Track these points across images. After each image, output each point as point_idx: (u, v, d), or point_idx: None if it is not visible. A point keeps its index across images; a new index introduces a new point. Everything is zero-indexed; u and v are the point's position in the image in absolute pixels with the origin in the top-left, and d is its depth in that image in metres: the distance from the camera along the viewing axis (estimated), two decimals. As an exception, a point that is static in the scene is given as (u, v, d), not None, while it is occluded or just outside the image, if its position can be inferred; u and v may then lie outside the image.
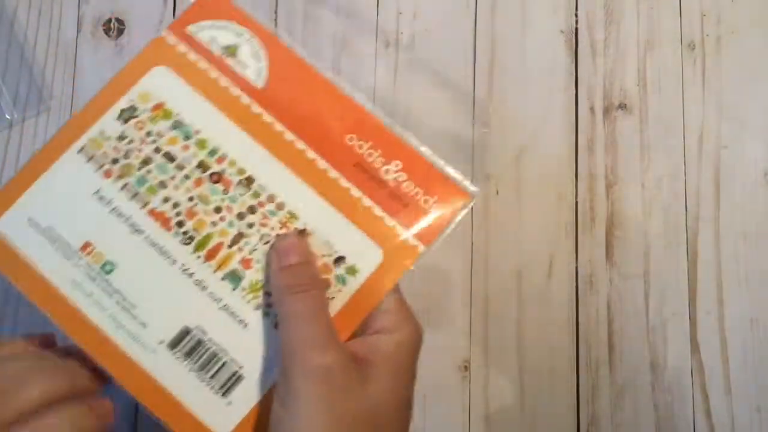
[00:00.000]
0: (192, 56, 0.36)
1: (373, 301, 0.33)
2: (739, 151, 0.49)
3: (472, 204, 0.35)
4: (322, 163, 0.35)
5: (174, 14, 0.50)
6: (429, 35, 0.50)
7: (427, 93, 0.50)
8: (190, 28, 0.37)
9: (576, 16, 0.50)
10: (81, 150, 0.35)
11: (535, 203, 0.49)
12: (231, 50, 0.36)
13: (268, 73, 0.36)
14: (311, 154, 0.35)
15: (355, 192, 0.34)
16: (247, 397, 0.32)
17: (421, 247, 0.34)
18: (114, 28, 0.50)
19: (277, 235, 0.34)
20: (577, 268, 0.48)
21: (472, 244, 0.48)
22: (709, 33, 0.50)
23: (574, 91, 0.50)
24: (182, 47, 0.37)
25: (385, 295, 0.33)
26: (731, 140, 0.49)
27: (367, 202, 0.34)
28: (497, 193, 0.49)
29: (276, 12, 0.50)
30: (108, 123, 0.36)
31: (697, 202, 0.48)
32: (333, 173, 0.35)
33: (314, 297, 0.32)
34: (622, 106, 0.49)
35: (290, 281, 0.32)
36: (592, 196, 0.49)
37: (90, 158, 0.35)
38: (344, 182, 0.35)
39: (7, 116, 0.49)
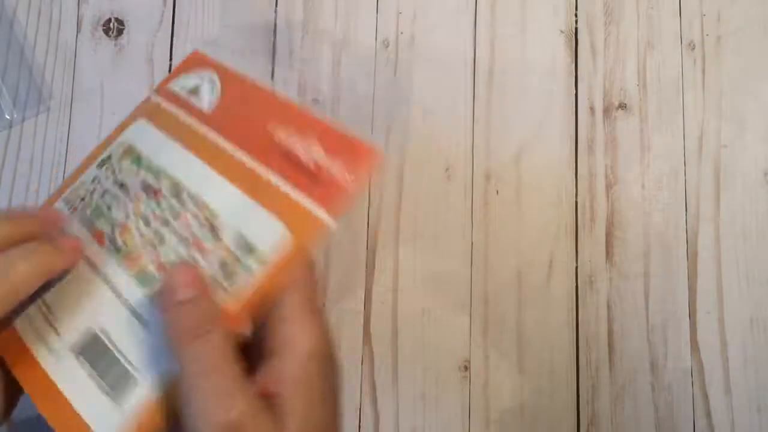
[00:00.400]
0: (165, 105, 0.39)
1: (282, 283, 0.32)
2: (738, 151, 0.49)
3: (379, 165, 0.35)
4: (245, 158, 0.35)
5: (174, 14, 0.50)
6: (429, 35, 0.50)
7: (427, 93, 0.50)
8: (170, 85, 0.40)
9: (576, 16, 0.50)
10: (65, 199, 0.38)
11: (535, 203, 0.49)
12: (194, 90, 0.39)
13: (218, 100, 0.38)
14: (239, 154, 0.35)
15: (276, 179, 0.34)
16: (139, 403, 0.31)
17: (330, 221, 0.33)
18: (114, 28, 0.50)
19: (170, 270, 0.32)
20: (577, 268, 0.48)
21: (472, 244, 0.48)
22: (709, 33, 0.50)
23: (574, 91, 0.50)
24: (161, 101, 0.39)
25: (291, 283, 0.31)
26: (731, 140, 0.49)
27: (285, 188, 0.34)
28: (497, 193, 0.49)
29: (276, 12, 0.50)
30: (89, 172, 0.38)
31: (697, 202, 0.48)
32: (253, 164, 0.35)
33: (214, 342, 0.28)
34: (622, 106, 0.49)
35: (185, 324, 0.29)
36: (592, 196, 0.49)
37: (67, 202, 0.37)
38: (264, 172, 0.34)
39: (7, 116, 0.49)
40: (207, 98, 0.38)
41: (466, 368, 0.47)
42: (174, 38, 0.50)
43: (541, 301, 0.48)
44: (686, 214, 0.48)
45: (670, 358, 0.47)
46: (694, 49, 0.50)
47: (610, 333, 0.47)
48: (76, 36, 0.50)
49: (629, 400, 0.46)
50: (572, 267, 0.48)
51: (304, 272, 0.32)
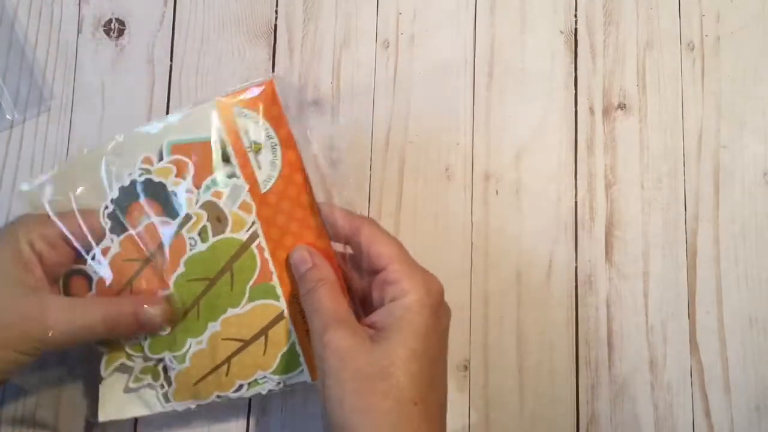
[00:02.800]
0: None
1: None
2: (738, 151, 0.49)
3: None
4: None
5: (174, 14, 0.50)
6: (429, 35, 0.50)
7: (426, 93, 0.50)
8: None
9: (575, 16, 0.50)
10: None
11: (535, 203, 0.49)
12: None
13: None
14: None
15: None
16: None
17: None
18: (114, 28, 0.50)
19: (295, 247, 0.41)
20: (576, 268, 0.48)
21: (472, 244, 0.48)
22: (709, 33, 0.50)
23: (573, 92, 0.50)
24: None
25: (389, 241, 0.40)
26: (730, 140, 0.49)
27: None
28: (497, 193, 0.49)
29: (276, 12, 0.51)
30: None
31: (696, 202, 0.49)
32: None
33: (317, 295, 0.39)
34: (622, 107, 0.49)
35: (303, 287, 0.40)
36: (592, 196, 0.49)
37: None
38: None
39: (8, 116, 0.49)
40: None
41: (466, 368, 0.47)
42: (175, 38, 0.50)
43: (540, 300, 0.48)
44: (685, 214, 0.48)
45: (670, 357, 0.47)
46: (693, 49, 0.50)
47: (610, 332, 0.48)
48: (77, 36, 0.50)
49: (628, 399, 0.47)
50: (572, 267, 0.48)
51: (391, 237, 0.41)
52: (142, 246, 0.41)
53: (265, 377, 0.42)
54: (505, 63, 0.50)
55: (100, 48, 0.50)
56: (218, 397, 0.42)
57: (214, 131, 0.42)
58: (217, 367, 0.41)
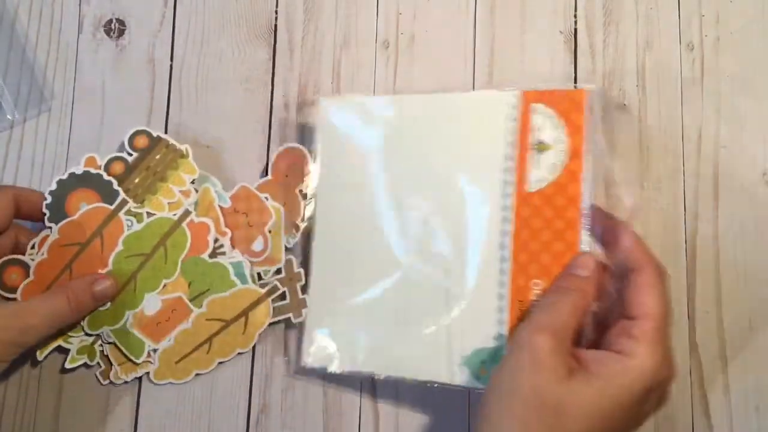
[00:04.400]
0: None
1: None
2: (737, 151, 0.49)
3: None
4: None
5: (175, 15, 0.51)
6: (429, 35, 0.50)
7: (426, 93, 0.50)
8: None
9: (575, 16, 0.50)
10: None
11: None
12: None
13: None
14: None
15: None
16: None
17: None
18: (115, 28, 0.50)
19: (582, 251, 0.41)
20: (576, 267, 0.48)
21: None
22: (708, 33, 0.50)
23: (573, 92, 0.50)
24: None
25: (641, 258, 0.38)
26: (730, 140, 0.49)
27: None
28: (497, 193, 0.49)
29: (276, 12, 0.51)
30: None
31: (696, 203, 0.48)
32: None
33: (568, 299, 0.38)
34: (621, 107, 0.49)
35: (564, 283, 0.39)
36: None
37: None
38: None
39: (9, 116, 0.49)
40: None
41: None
42: (175, 38, 0.50)
43: (540, 300, 0.48)
44: (685, 214, 0.48)
45: (669, 357, 0.47)
46: (693, 49, 0.50)
47: (609, 332, 0.47)
48: (78, 36, 0.50)
49: (628, 399, 0.46)
50: (571, 267, 0.48)
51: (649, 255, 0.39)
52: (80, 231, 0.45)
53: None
54: (504, 63, 0.50)
55: (100, 48, 0.50)
56: (197, 375, 0.46)
57: (504, 119, 0.43)
58: (200, 345, 0.46)
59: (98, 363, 0.46)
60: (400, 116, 0.45)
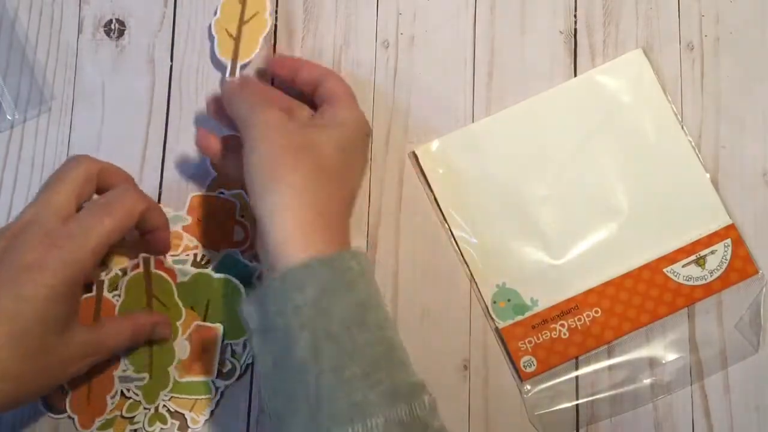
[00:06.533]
0: None
1: None
2: (737, 152, 0.49)
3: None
4: None
5: (175, 15, 0.51)
6: (429, 35, 0.51)
7: (426, 93, 0.50)
8: None
9: (575, 16, 0.50)
10: None
11: (534, 203, 0.49)
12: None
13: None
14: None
15: None
16: None
17: None
18: (115, 29, 0.50)
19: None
20: (576, 267, 0.48)
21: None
22: (708, 33, 0.50)
23: (573, 92, 0.50)
24: None
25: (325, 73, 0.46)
26: (730, 140, 0.49)
27: None
28: (497, 193, 0.49)
29: (276, 11, 0.51)
30: None
31: (696, 202, 0.48)
32: None
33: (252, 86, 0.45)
34: (622, 107, 0.49)
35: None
36: (592, 196, 0.49)
37: None
38: None
39: (9, 117, 0.49)
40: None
41: (466, 368, 0.47)
42: (175, 39, 0.50)
43: (540, 300, 0.48)
44: (685, 214, 0.48)
45: (670, 357, 0.47)
46: (692, 49, 0.50)
47: (610, 332, 0.47)
48: (78, 37, 0.50)
49: (628, 399, 0.47)
50: (571, 267, 0.48)
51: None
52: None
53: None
54: (505, 63, 0.50)
55: (100, 48, 0.50)
56: None
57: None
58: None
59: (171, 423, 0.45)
60: (531, 121, 0.49)
